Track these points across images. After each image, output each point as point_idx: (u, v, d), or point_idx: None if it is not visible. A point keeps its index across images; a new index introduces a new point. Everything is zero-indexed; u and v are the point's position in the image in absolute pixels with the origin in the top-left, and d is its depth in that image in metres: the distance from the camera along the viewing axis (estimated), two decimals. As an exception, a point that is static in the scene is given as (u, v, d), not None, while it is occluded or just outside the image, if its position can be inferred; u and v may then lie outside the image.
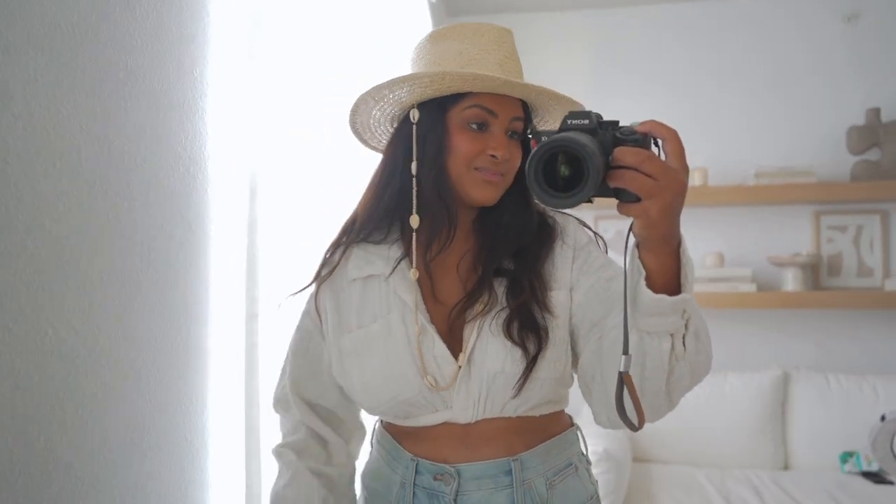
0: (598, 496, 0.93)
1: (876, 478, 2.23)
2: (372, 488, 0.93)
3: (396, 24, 1.97)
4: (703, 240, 2.72)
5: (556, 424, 0.91)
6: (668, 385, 0.75)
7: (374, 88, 0.86)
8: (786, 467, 2.43)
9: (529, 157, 0.65)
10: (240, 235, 1.16)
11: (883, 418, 2.07)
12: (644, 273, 0.70)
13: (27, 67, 0.74)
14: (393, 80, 0.84)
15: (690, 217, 2.67)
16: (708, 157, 2.71)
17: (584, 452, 0.94)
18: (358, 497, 0.98)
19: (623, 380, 0.70)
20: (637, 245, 0.70)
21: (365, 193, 0.92)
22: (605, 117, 0.70)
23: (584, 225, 0.94)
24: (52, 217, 0.78)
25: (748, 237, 2.72)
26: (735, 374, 2.50)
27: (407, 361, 0.84)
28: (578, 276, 0.88)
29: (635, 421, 0.72)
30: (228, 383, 1.14)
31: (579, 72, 2.78)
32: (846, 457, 2.32)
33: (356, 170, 1.59)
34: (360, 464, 1.00)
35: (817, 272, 2.66)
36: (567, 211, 0.85)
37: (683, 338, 0.73)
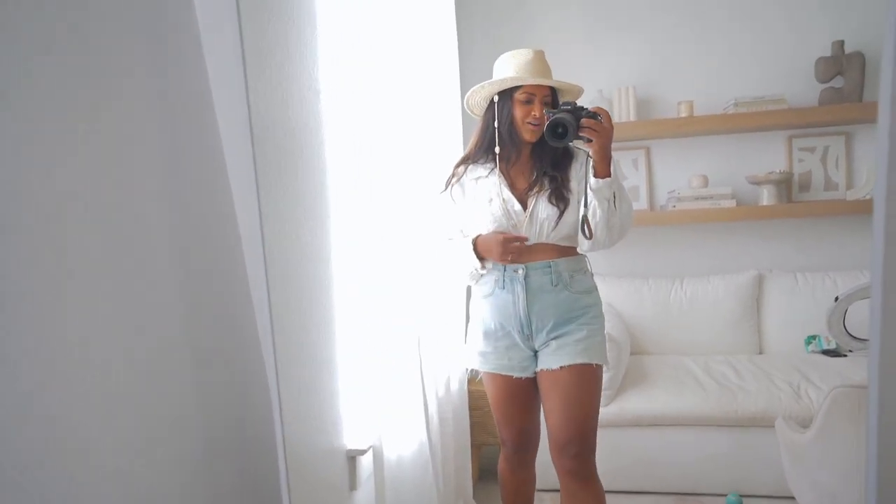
0: (597, 289, 1.73)
1: (833, 353, 2.68)
2: (479, 287, 1.73)
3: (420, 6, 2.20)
4: (689, 164, 3.11)
5: (572, 252, 1.70)
6: (607, 226, 1.60)
7: (478, 86, 1.66)
8: (760, 352, 2.89)
9: (546, 124, 1.53)
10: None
11: (836, 299, 2.49)
12: (593, 171, 1.57)
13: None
14: (486, 82, 1.64)
15: (679, 146, 3.12)
16: (693, 91, 3.08)
17: (590, 270, 1.74)
18: (471, 297, 1.77)
19: (583, 218, 1.60)
20: (592, 161, 1.56)
21: (473, 140, 1.73)
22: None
23: (587, 154, 1.64)
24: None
25: (729, 161, 3.10)
26: (717, 277, 2.93)
27: (500, 214, 1.65)
28: (581, 177, 1.66)
29: (587, 235, 1.60)
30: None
31: (571, 17, 3.12)
32: (810, 339, 2.77)
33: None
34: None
35: (790, 188, 3.05)
36: (581, 147, 1.68)
37: (614, 203, 1.58)
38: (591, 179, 1.57)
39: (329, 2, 1.41)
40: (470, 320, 1.77)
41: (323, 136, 1.37)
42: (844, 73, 2.91)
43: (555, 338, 1.65)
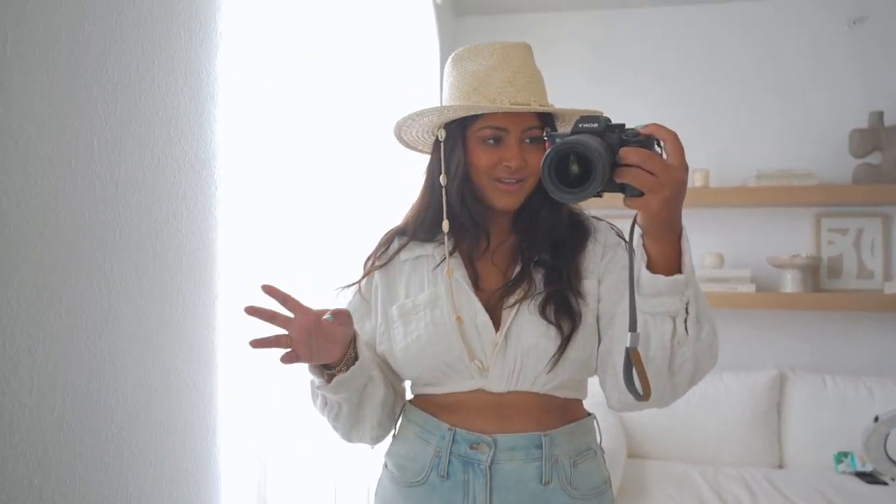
0: (610, 482, 1.00)
1: (869, 478, 2.25)
2: (399, 464, 0.97)
3: (402, 26, 2.01)
4: (703, 240, 2.74)
5: (577, 410, 0.98)
6: (670, 368, 0.81)
7: (402, 119, 0.97)
8: (780, 466, 2.46)
9: (543, 158, 0.74)
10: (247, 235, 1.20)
11: (876, 419, 2.08)
12: (646, 258, 0.78)
13: (31, 66, 0.79)
14: (414, 112, 0.95)
15: (691, 217, 2.69)
16: (710, 159, 2.74)
17: (600, 442, 1.01)
18: (380, 476, 1.03)
19: (630, 355, 0.77)
20: (642, 234, 0.78)
21: (415, 201, 1.01)
22: (611, 119, 0.79)
23: (615, 229, 1.00)
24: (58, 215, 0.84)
25: (749, 238, 2.74)
26: (731, 374, 2.53)
27: (450, 327, 0.92)
28: (604, 272, 0.95)
29: (641, 391, 0.78)
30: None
31: (581, 72, 2.80)
32: (841, 457, 2.34)
33: (367, 172, 1.64)
34: (384, 445, 1.03)
35: (817, 273, 2.68)
36: (599, 215, 1.00)
37: (686, 322, 0.79)
38: (645, 275, 0.77)
39: None
40: None
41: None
42: (883, 147, 2.56)
43: None
